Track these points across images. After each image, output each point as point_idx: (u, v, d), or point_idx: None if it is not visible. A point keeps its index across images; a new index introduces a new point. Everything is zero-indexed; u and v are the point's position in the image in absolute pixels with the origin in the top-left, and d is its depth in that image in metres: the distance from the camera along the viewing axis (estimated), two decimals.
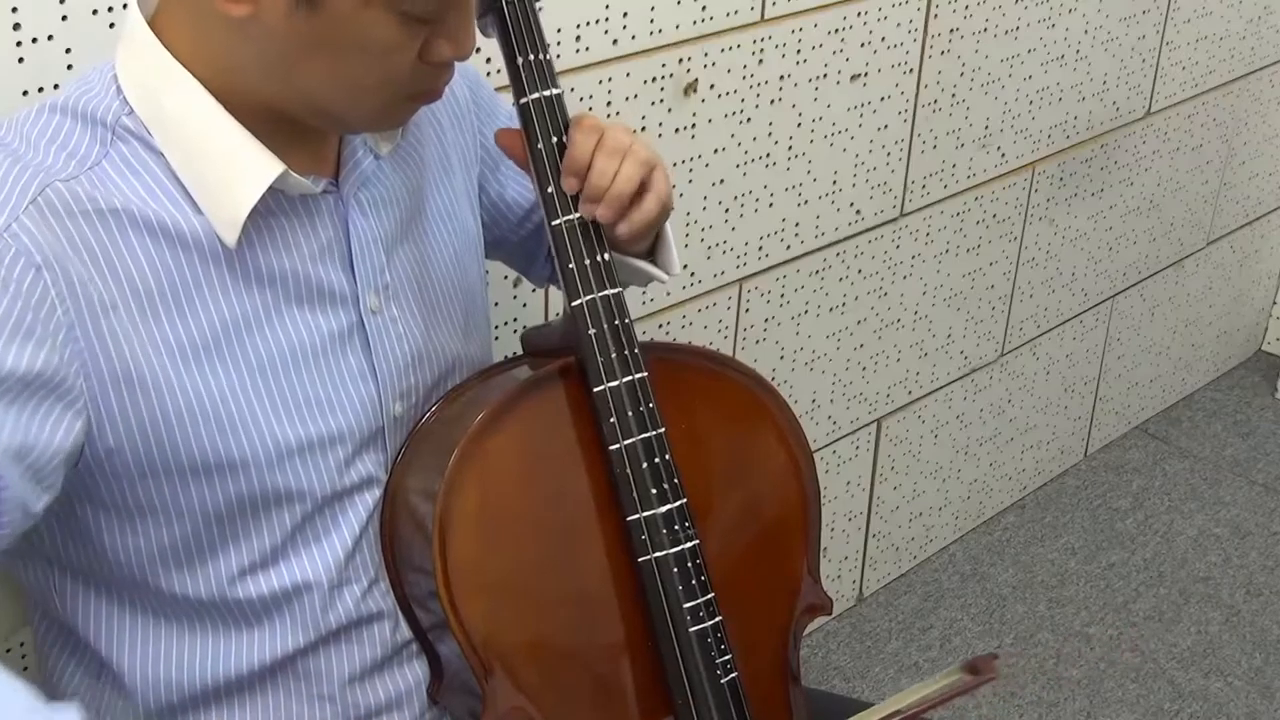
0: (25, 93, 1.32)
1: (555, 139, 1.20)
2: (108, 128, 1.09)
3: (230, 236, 1.10)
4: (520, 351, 1.31)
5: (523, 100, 1.20)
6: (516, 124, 1.25)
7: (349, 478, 1.20)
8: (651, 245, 1.33)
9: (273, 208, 1.13)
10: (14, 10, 1.29)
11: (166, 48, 1.09)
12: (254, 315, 1.13)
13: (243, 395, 1.12)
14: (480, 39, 1.21)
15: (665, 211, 1.25)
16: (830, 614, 1.34)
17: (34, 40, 1.31)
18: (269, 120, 1.10)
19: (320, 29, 1.03)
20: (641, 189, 1.21)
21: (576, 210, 1.20)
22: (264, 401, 1.14)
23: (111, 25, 1.35)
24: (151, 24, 1.10)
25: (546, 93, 1.19)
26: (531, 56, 1.19)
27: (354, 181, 1.19)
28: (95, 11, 1.34)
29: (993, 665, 1.13)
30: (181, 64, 1.08)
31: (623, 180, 1.19)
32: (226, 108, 1.09)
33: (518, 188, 1.42)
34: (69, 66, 1.34)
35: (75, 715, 0.89)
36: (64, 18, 1.32)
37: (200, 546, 1.15)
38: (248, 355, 1.13)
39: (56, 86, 1.33)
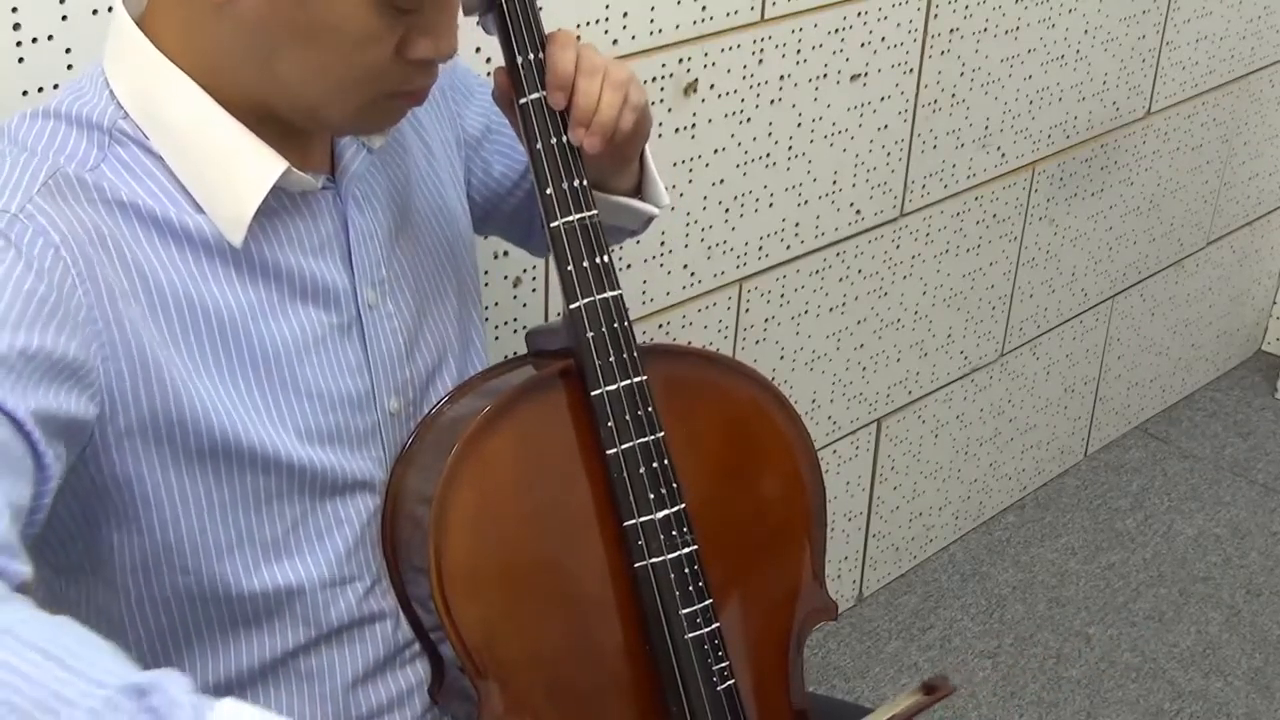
0: (25, 93, 1.32)
1: (554, 139, 1.19)
2: (104, 131, 1.08)
3: (236, 236, 1.10)
4: (523, 350, 1.30)
5: (522, 100, 1.19)
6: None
7: (346, 475, 1.20)
8: (637, 183, 1.33)
9: (273, 205, 1.13)
10: (14, 10, 1.29)
11: (157, 46, 1.08)
12: (256, 309, 1.13)
13: (243, 386, 1.12)
14: (482, 37, 1.21)
15: (644, 126, 1.25)
16: (835, 619, 1.33)
17: (34, 40, 1.31)
18: (263, 117, 1.10)
19: (294, 12, 1.03)
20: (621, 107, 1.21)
21: (564, 133, 1.19)
22: (265, 395, 1.13)
23: None
24: (141, 24, 1.09)
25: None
26: (531, 56, 1.18)
27: (350, 177, 1.19)
28: (95, 11, 1.34)
29: (947, 684, 1.17)
30: (173, 62, 1.08)
31: (606, 106, 1.19)
32: (223, 105, 1.09)
33: (503, 161, 1.41)
34: (69, 66, 1.33)
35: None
36: (64, 18, 1.32)
37: (200, 545, 1.14)
38: (243, 349, 1.12)
39: (56, 86, 1.33)
